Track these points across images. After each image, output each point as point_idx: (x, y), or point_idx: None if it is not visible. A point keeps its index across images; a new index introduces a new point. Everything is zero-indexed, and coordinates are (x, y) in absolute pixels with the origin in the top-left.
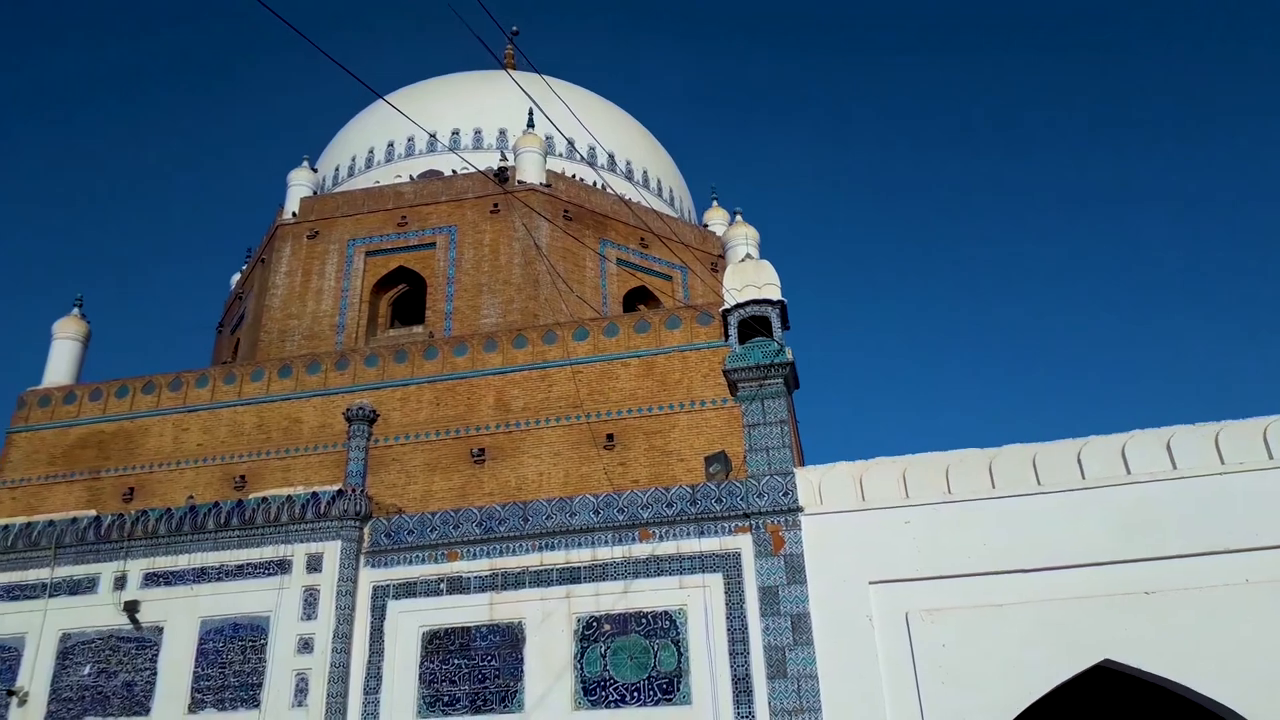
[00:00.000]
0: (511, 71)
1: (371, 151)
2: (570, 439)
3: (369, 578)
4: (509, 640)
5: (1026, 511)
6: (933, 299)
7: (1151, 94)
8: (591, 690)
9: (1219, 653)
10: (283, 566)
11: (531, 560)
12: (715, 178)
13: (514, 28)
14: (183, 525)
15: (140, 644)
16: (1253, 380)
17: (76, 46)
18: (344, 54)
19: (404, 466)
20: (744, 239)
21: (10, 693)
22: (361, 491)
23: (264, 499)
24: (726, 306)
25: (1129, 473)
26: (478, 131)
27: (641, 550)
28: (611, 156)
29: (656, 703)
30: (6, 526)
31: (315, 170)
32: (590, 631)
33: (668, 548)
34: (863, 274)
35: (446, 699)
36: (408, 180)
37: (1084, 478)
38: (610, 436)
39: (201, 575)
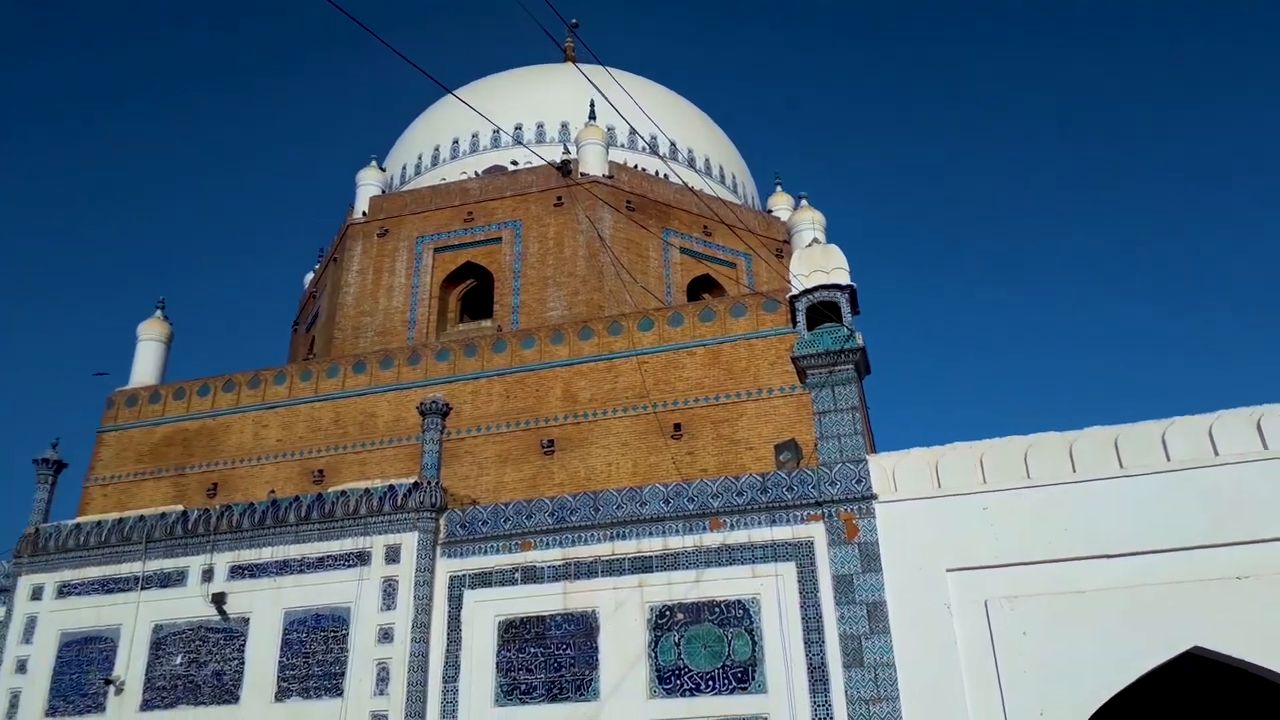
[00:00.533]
0: (572, 63)
1: (437, 149)
2: (637, 429)
3: (445, 568)
4: (583, 629)
5: (1109, 495)
6: (998, 283)
7: (1221, 77)
8: (666, 678)
9: None
10: (362, 558)
11: (603, 550)
12: (778, 163)
13: (573, 20)
14: (265, 519)
15: (228, 634)
16: None
17: (149, 44)
18: (403, 52)
19: (476, 458)
20: (810, 224)
21: (108, 681)
22: (437, 483)
23: (343, 492)
24: (794, 292)
25: (1217, 454)
26: (540, 125)
27: (712, 539)
28: (673, 145)
29: (732, 691)
30: (100, 522)
31: (383, 169)
32: (663, 620)
33: (739, 537)
34: (924, 258)
35: (523, 687)
36: (473, 176)
37: (1169, 460)
38: (677, 426)
39: (284, 567)
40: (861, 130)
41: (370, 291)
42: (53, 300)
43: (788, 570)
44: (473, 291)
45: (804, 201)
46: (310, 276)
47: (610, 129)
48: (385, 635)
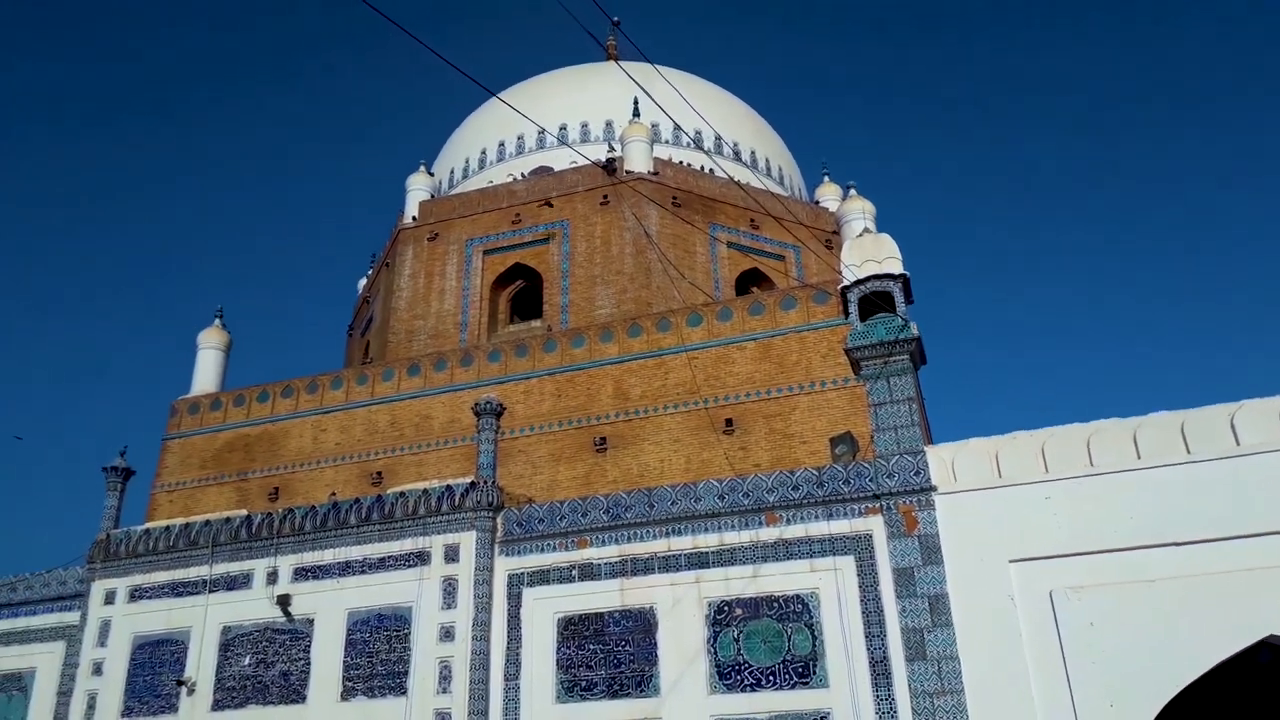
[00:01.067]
0: (614, 61)
1: (484, 152)
2: (689, 425)
3: (504, 566)
4: (641, 625)
5: (1176, 482)
6: (1047, 273)
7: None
8: (726, 674)
9: None
10: (422, 558)
11: (659, 546)
12: (824, 153)
13: (615, 18)
14: (327, 521)
15: (294, 635)
16: None
17: (201, 55)
18: (447, 56)
19: (529, 457)
20: (860, 213)
21: (180, 682)
22: (493, 483)
23: (401, 493)
24: (846, 283)
25: None
26: (584, 125)
27: (769, 534)
28: (718, 139)
29: (793, 686)
30: (168, 527)
31: (432, 174)
32: (722, 615)
33: (796, 531)
34: (973, 246)
35: (584, 684)
36: (519, 178)
37: (1239, 444)
38: (729, 421)
39: (346, 568)
40: (905, 119)
41: (422, 295)
42: (115, 312)
43: (846, 564)
44: (522, 292)
45: (853, 191)
46: (363, 282)
47: (654, 125)
48: (446, 634)
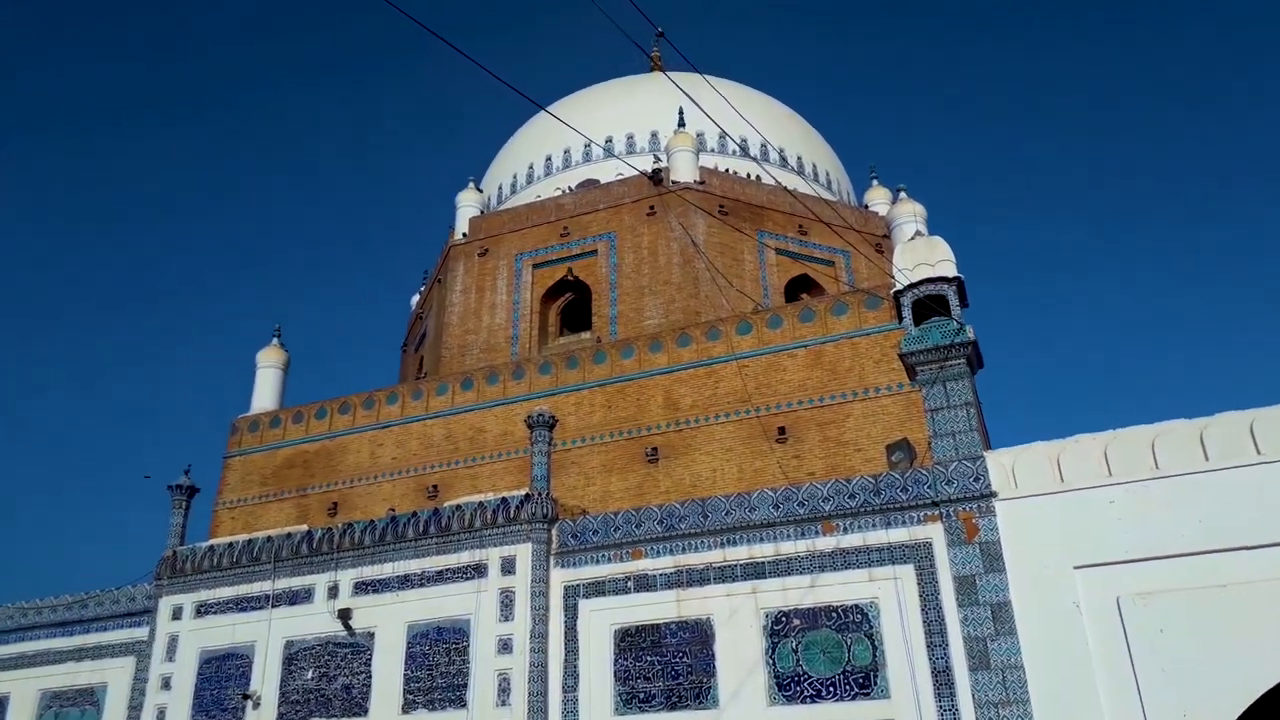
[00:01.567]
0: (659, 72)
1: (531, 167)
2: (741, 434)
3: (559, 578)
4: (698, 636)
5: (1247, 483)
6: (1099, 274)
7: None
8: (785, 685)
9: None
10: (479, 570)
11: (714, 556)
12: (872, 157)
13: (659, 28)
14: (385, 535)
15: (355, 649)
16: None
17: (254, 69)
18: (489, 72)
19: (582, 469)
20: (911, 216)
21: (245, 696)
22: (547, 495)
23: (458, 506)
24: (898, 287)
25: None
26: (630, 137)
27: (826, 543)
28: (764, 145)
29: (854, 697)
30: (231, 543)
31: (480, 190)
32: (779, 626)
33: (853, 540)
34: (1024, 246)
35: (642, 696)
36: (566, 191)
37: None
38: (781, 430)
39: (405, 582)
40: (950, 119)
41: (474, 310)
42: (178, 332)
43: (906, 573)
44: (571, 304)
45: (902, 194)
46: (416, 298)
47: (700, 134)
48: (504, 646)
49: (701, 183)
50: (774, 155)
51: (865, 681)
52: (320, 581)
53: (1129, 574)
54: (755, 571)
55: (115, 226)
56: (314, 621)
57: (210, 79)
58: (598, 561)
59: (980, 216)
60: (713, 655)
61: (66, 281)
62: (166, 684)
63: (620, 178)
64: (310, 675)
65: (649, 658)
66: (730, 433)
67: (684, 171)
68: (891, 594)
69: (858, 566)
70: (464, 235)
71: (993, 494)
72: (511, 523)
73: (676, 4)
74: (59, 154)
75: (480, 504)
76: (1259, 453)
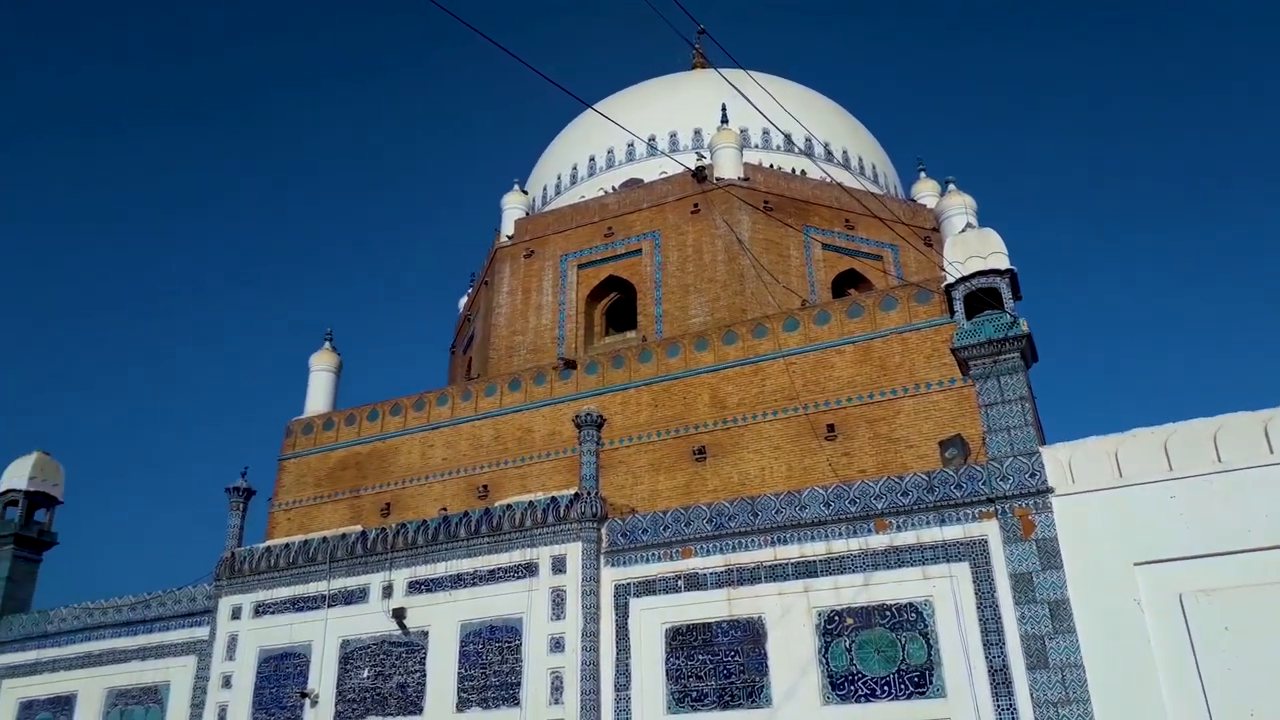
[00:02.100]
0: (701, 69)
1: (574, 168)
2: (789, 432)
3: (610, 577)
4: (750, 635)
5: None
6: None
7: None
8: (839, 684)
9: None
10: (530, 569)
11: (765, 555)
12: (919, 149)
13: (700, 27)
14: (438, 535)
15: (409, 648)
16: None
17: (299, 72)
18: (533, 72)
19: (630, 468)
20: (961, 208)
21: (303, 694)
22: (596, 494)
23: (508, 506)
24: (949, 281)
25: None
26: (673, 134)
27: (879, 541)
28: (809, 140)
29: (909, 696)
30: (288, 545)
31: (525, 192)
32: (832, 625)
33: (907, 538)
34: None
35: (694, 695)
36: (610, 191)
37: None
38: (831, 427)
39: (458, 581)
40: (1006, 111)
41: (520, 311)
42: (234, 337)
43: (961, 571)
44: (617, 304)
45: (952, 186)
46: (464, 300)
47: (743, 130)
48: (556, 645)
49: (746, 179)
50: (819, 150)
51: (920, 680)
52: (375, 581)
53: (1191, 570)
54: (807, 570)
55: (177, 229)
56: (369, 621)
57: (260, 82)
58: (647, 560)
59: (1034, 208)
60: (765, 654)
61: (128, 286)
62: (227, 682)
63: (664, 176)
64: (366, 674)
65: (700, 656)
66: (778, 430)
67: (728, 168)
68: (947, 592)
69: (912, 565)
70: (509, 237)
71: (1049, 490)
72: (561, 522)
73: (718, 1)
74: (124, 153)
75: (530, 503)
76: None
